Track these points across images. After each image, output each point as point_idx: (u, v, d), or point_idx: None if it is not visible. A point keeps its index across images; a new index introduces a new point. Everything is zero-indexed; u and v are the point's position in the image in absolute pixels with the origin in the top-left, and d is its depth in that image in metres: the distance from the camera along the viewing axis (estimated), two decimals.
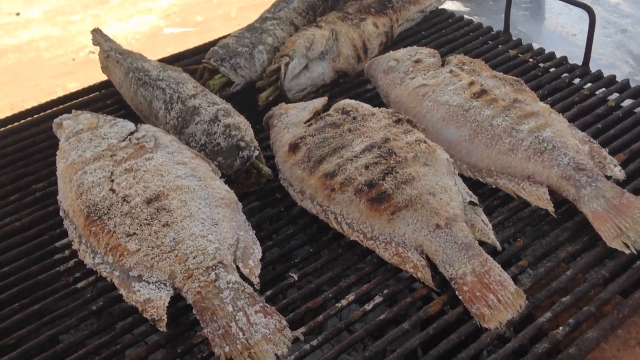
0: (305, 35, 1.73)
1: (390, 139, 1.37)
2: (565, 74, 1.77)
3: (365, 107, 1.49)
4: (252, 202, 1.46)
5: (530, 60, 1.82)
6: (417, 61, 1.62)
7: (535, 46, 1.89)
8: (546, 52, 1.85)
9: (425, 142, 1.38)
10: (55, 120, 1.49)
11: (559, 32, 1.90)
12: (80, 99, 1.81)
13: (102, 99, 1.80)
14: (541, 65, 1.80)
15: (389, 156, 1.33)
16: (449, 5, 2.08)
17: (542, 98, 1.66)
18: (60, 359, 1.13)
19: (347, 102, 1.50)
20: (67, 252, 1.32)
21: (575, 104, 1.65)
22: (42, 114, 1.75)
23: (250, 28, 1.80)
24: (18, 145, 1.64)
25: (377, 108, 1.49)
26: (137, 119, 1.62)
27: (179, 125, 1.50)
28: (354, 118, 1.45)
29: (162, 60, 1.89)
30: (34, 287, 1.26)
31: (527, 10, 1.98)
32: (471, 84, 1.51)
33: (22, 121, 1.73)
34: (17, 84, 4.48)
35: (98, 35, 1.80)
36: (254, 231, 1.28)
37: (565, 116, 1.57)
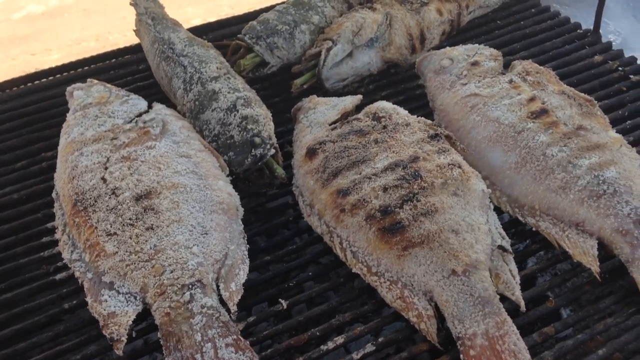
0: (355, 18, 1.53)
1: (419, 158, 1.18)
2: None
3: (402, 115, 1.30)
4: (261, 205, 1.33)
5: (617, 70, 1.53)
6: (474, 64, 1.39)
7: (629, 54, 1.59)
8: (639, 62, 1.55)
9: (460, 166, 1.18)
10: (68, 89, 1.40)
11: None
12: (113, 60, 1.72)
13: (136, 62, 1.70)
14: (631, 78, 1.51)
15: (413, 179, 1.15)
16: None
17: (620, 120, 1.40)
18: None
19: (381, 106, 1.31)
20: (55, 236, 1.25)
21: None
22: (68, 73, 1.67)
23: (297, 2, 1.61)
24: (39, 106, 1.57)
25: (414, 117, 1.29)
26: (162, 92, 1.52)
27: (195, 109, 1.37)
28: (385, 127, 1.26)
29: (200, 29, 1.76)
30: (14, 271, 1.20)
31: (632, 7, 1.67)
32: (531, 100, 1.28)
33: (50, 78, 1.65)
34: (105, 15, 4.51)
35: None
36: (248, 246, 1.15)
37: None
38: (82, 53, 4.16)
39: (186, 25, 4.66)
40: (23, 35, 4.25)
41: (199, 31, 1.77)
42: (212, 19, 4.91)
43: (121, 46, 4.41)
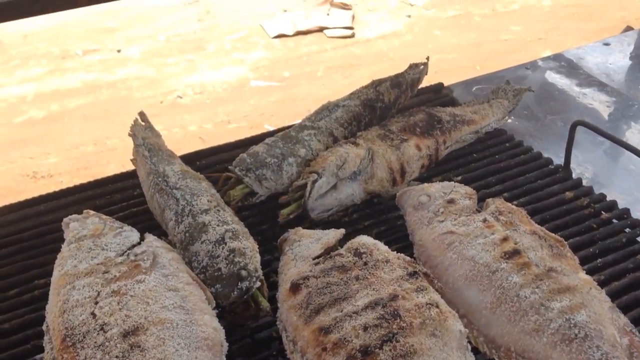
0: (339, 152, 1.63)
1: (399, 297, 1.23)
2: (627, 230, 1.55)
3: (382, 250, 1.36)
4: (246, 337, 1.36)
5: (588, 207, 1.62)
6: (450, 201, 1.47)
7: (598, 188, 1.68)
8: (608, 199, 1.64)
9: (437, 306, 1.23)
10: (65, 220, 1.46)
11: (636, 177, 1.69)
12: (110, 186, 1.79)
13: (132, 188, 1.78)
14: (601, 215, 1.59)
15: (392, 319, 1.19)
16: (512, 122, 1.91)
17: (592, 258, 1.46)
18: None
19: (362, 242, 1.38)
20: None
21: (629, 271, 1.43)
22: (65, 198, 1.73)
23: (285, 136, 1.72)
24: (36, 231, 1.63)
25: (394, 253, 1.35)
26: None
27: (186, 240, 1.43)
28: (365, 263, 1.32)
29: (193, 156, 1.85)
30: None
31: (601, 142, 1.78)
32: (504, 239, 1.35)
33: (50, 203, 1.72)
34: (105, 120, 4.69)
35: (138, 122, 1.78)
36: None
37: (615, 287, 1.37)
38: (79, 157, 4.30)
39: (182, 132, 4.76)
40: (23, 139, 4.40)
41: (192, 158, 1.87)
42: (209, 125, 5.04)
43: (119, 150, 4.48)
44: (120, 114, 4.72)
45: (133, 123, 1.79)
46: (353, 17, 5.81)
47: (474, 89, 2.25)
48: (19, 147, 4.30)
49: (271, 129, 4.31)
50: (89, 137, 4.46)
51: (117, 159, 4.16)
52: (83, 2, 1.40)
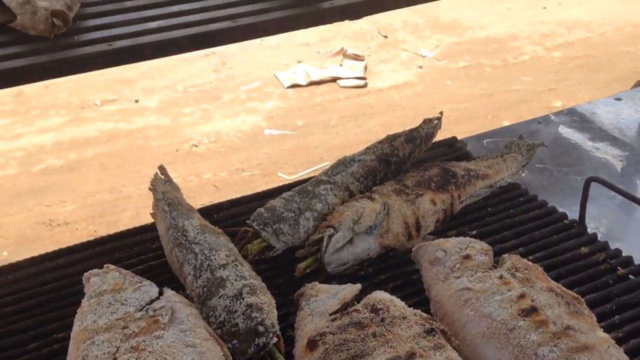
0: (355, 207, 1.65)
1: (416, 355, 1.23)
2: None
3: (399, 307, 1.37)
4: None
5: (604, 262, 1.62)
6: (466, 257, 1.48)
7: (613, 243, 1.69)
8: (623, 254, 1.64)
9: None
10: (85, 274, 1.49)
11: None
12: (129, 238, 1.82)
13: (150, 241, 1.80)
14: (618, 271, 1.59)
15: None
16: (525, 175, 1.93)
17: (609, 315, 1.46)
18: None
19: (379, 298, 1.39)
20: None
21: None
22: (90, 251, 1.76)
23: (302, 191, 1.75)
24: (56, 284, 1.65)
25: (410, 309, 1.36)
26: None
27: (203, 295, 1.45)
28: (382, 319, 1.32)
29: (211, 209, 1.88)
30: None
31: (614, 196, 1.79)
32: (521, 296, 1.35)
33: (70, 256, 1.75)
34: (121, 168, 4.77)
35: (158, 176, 1.82)
36: None
37: (634, 345, 1.36)
38: (95, 204, 4.36)
39: (197, 180, 4.82)
40: (40, 187, 4.47)
41: (210, 210, 1.90)
42: (223, 173, 5.10)
43: (134, 198, 4.54)
44: (137, 162, 4.80)
45: (153, 177, 1.83)
46: (365, 67, 5.91)
47: (486, 142, 2.28)
48: (36, 195, 4.36)
49: (285, 177, 4.39)
50: (105, 185, 4.53)
51: (132, 207, 4.21)
52: (109, 63, 1.45)
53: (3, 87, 1.34)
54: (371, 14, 1.67)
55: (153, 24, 1.43)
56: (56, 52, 1.33)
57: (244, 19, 1.46)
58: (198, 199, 4.02)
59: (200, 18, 1.47)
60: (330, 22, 1.62)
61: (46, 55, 1.32)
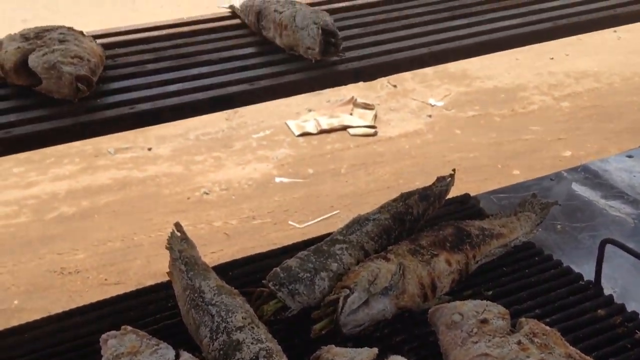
0: (370, 268, 1.66)
1: None
2: None
3: None
4: None
5: (621, 326, 1.61)
6: (484, 321, 1.48)
7: (629, 303, 1.68)
8: None
9: None
10: (103, 336, 1.49)
11: None
12: (145, 297, 1.83)
13: (165, 299, 1.81)
14: (635, 334, 1.58)
15: None
16: (539, 233, 1.93)
17: None
18: None
19: None
20: None
21: None
22: (106, 309, 1.77)
23: (317, 250, 1.76)
24: (72, 344, 1.65)
25: None
26: None
27: (220, 358, 1.45)
28: None
29: (226, 266, 1.90)
30: None
31: (632, 259, 1.79)
32: None
33: (86, 314, 1.76)
34: (133, 216, 4.79)
35: (175, 234, 1.83)
36: None
37: None
38: (107, 253, 4.37)
39: (208, 227, 4.84)
40: (52, 234, 4.50)
41: (225, 268, 1.91)
42: (234, 221, 5.12)
43: (145, 246, 4.56)
44: (148, 210, 4.83)
45: (169, 235, 1.84)
46: (375, 116, 5.98)
47: (497, 198, 2.29)
48: (48, 242, 4.39)
49: (295, 225, 4.39)
50: (116, 233, 4.55)
51: (143, 255, 4.22)
52: (130, 126, 1.48)
53: (27, 149, 1.38)
54: (385, 76, 1.71)
55: (173, 87, 1.48)
56: (79, 116, 1.37)
57: (260, 82, 1.50)
58: (209, 247, 4.03)
59: (219, 81, 1.51)
60: (345, 84, 1.67)
61: (69, 118, 1.35)
